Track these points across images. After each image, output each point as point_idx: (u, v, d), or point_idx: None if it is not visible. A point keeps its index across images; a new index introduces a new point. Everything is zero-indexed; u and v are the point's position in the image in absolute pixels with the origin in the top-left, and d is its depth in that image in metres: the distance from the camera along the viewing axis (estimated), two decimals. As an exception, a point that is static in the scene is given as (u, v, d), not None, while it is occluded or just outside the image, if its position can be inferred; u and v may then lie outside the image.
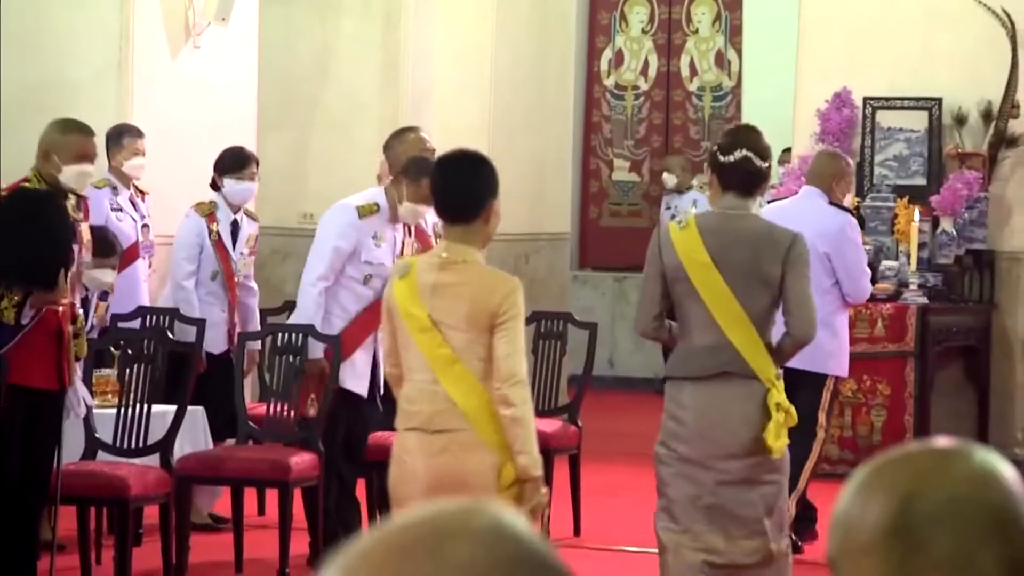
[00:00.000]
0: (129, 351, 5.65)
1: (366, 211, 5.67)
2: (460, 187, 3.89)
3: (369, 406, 5.89)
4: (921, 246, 7.72)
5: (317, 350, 5.70)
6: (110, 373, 5.80)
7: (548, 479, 4.84)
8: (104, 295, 6.04)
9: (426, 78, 8.81)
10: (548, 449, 5.81)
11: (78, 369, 5.17)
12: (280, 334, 5.85)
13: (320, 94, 8.75)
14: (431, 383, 3.84)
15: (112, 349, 5.77)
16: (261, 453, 5.79)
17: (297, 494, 5.69)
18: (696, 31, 11.41)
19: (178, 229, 6.53)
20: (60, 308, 4.98)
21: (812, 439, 5.90)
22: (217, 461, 5.75)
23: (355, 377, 5.73)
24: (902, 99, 8.15)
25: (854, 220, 6.27)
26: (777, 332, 4.40)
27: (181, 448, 5.71)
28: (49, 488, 5.07)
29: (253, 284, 6.65)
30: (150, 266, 6.87)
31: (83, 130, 5.16)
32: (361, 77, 8.67)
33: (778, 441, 4.27)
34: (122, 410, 5.58)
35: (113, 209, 6.71)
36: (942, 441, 1.29)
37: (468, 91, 9.35)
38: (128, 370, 5.62)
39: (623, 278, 11.34)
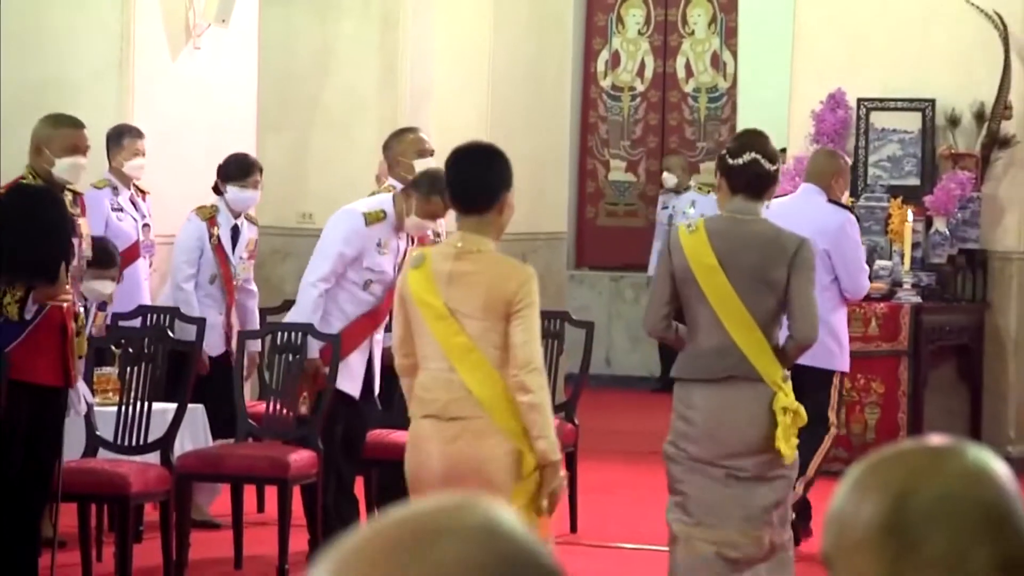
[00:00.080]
0: (130, 349, 5.68)
1: (372, 219, 5.70)
2: (475, 179, 3.94)
3: (367, 404, 5.93)
4: (915, 246, 7.76)
5: (313, 350, 5.75)
6: (111, 371, 5.84)
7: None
8: (103, 305, 6.07)
9: (425, 79, 8.86)
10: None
11: (80, 367, 5.20)
12: (280, 333, 5.89)
13: (319, 94, 8.79)
14: (447, 371, 3.88)
15: (113, 347, 5.82)
16: (260, 451, 5.82)
17: (296, 491, 5.72)
18: (692, 33, 11.46)
19: (179, 232, 6.56)
20: (64, 304, 5.00)
21: (824, 431, 5.99)
22: (217, 459, 5.78)
23: (349, 378, 5.77)
24: (896, 100, 8.21)
25: (853, 217, 6.34)
26: (781, 335, 4.47)
27: (181, 446, 5.74)
28: (51, 485, 5.10)
29: (253, 287, 6.68)
30: (151, 265, 6.92)
31: (74, 123, 5.17)
32: (360, 77, 8.72)
33: (788, 444, 4.34)
34: (123, 408, 5.62)
35: (114, 209, 6.75)
36: (936, 439, 1.30)
37: (466, 92, 9.40)
38: (129, 368, 5.65)
39: (619, 277, 11.39)
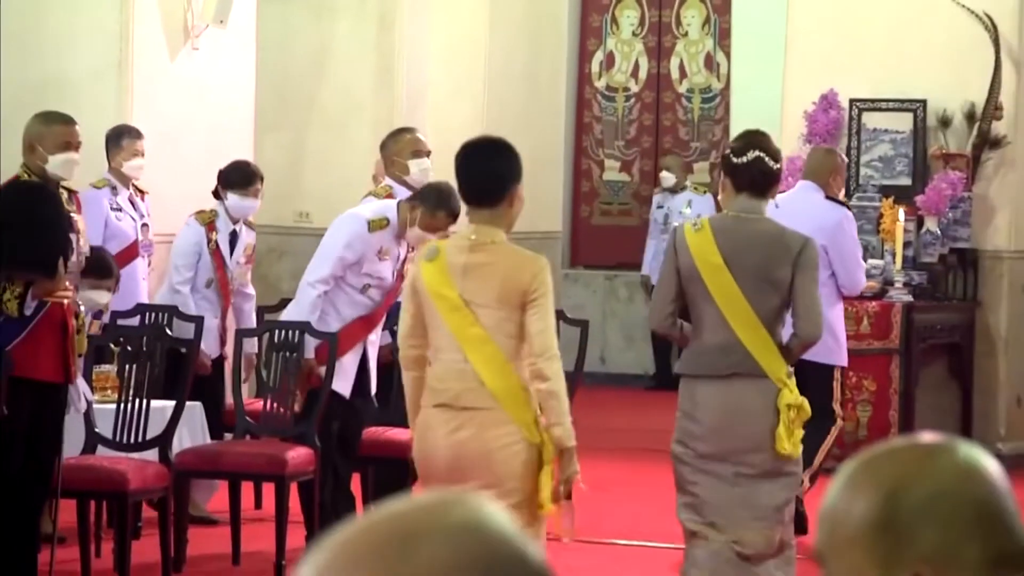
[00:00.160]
0: (128, 348, 5.72)
1: (376, 225, 5.74)
2: (485, 172, 4.00)
3: (363, 402, 5.99)
4: (906, 245, 7.82)
5: (308, 349, 5.80)
6: (110, 369, 5.89)
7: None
8: (98, 314, 6.11)
9: (421, 79, 8.91)
10: (540, 444, 5.91)
11: (80, 364, 5.24)
12: (277, 331, 5.94)
13: (316, 94, 8.84)
14: (460, 362, 3.93)
15: (112, 345, 5.86)
16: (258, 448, 5.86)
17: (293, 488, 5.76)
18: (686, 34, 11.51)
19: (177, 235, 6.59)
20: (65, 301, 5.03)
21: (831, 423, 6.05)
22: (215, 456, 5.82)
23: (341, 378, 5.82)
24: (887, 101, 8.26)
25: (850, 214, 6.41)
26: (784, 333, 4.52)
27: (179, 443, 5.78)
28: (51, 482, 5.12)
29: (250, 290, 6.71)
30: (149, 265, 6.96)
31: (65, 120, 5.20)
32: (357, 77, 8.77)
33: (791, 441, 4.39)
34: (121, 405, 5.65)
35: (112, 209, 6.80)
36: (927, 436, 1.31)
37: (462, 92, 9.45)
38: (127, 366, 5.68)
39: (614, 276, 11.44)
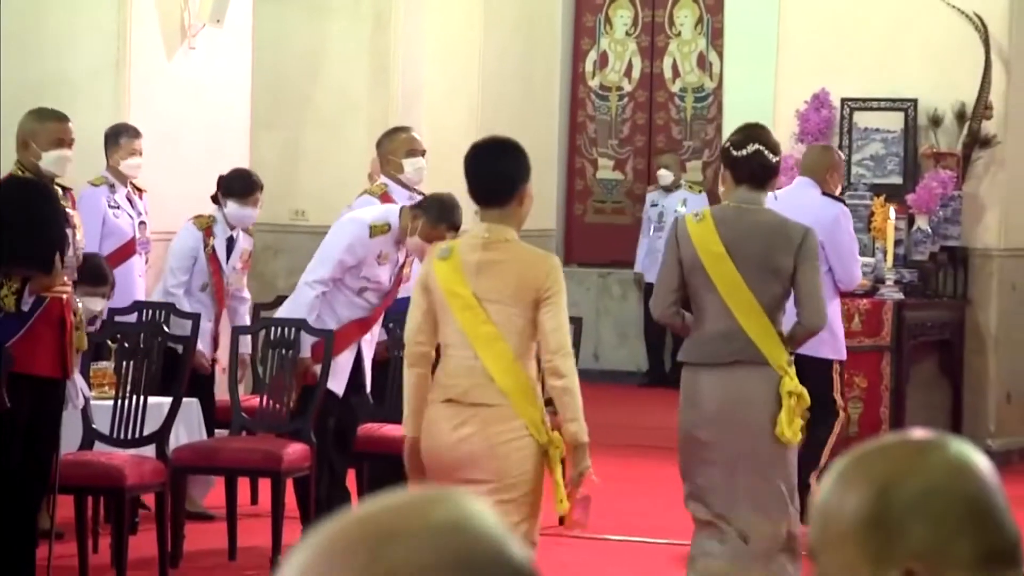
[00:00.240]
0: (126, 344, 5.76)
1: (377, 231, 5.79)
2: (494, 172, 4.06)
3: (358, 399, 6.03)
4: (897, 243, 7.86)
5: (304, 348, 5.85)
6: (107, 366, 5.92)
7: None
8: (92, 320, 6.14)
9: (416, 78, 8.95)
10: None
11: (78, 360, 5.28)
12: (273, 328, 5.99)
13: (312, 94, 8.88)
14: (471, 359, 3.99)
15: (109, 342, 5.90)
16: (254, 444, 5.89)
17: (289, 484, 5.80)
18: (679, 34, 11.56)
19: (175, 238, 6.60)
20: (64, 296, 5.06)
21: (833, 419, 6.11)
22: (211, 452, 5.86)
23: (335, 377, 5.87)
24: (879, 100, 8.32)
25: (847, 210, 6.47)
26: (787, 322, 4.57)
27: (176, 439, 5.82)
28: (49, 478, 5.16)
29: (246, 294, 6.73)
30: (146, 262, 7.00)
31: (58, 117, 5.22)
32: (352, 77, 8.81)
33: (791, 428, 4.45)
34: (119, 402, 5.68)
35: (110, 206, 6.84)
36: (918, 433, 1.31)
37: (457, 91, 9.49)
38: (124, 363, 5.72)
39: (607, 274, 11.48)
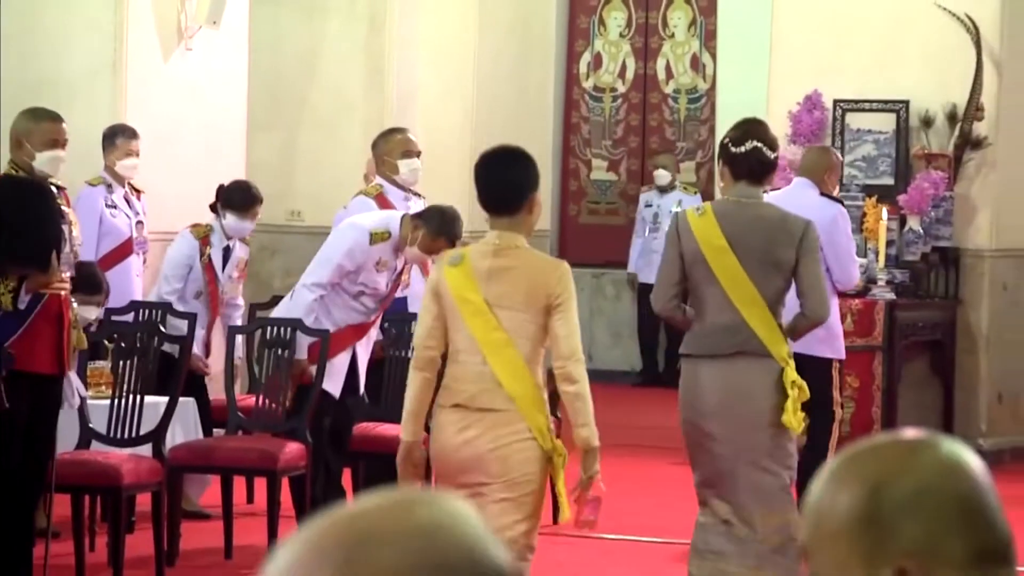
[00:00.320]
0: (122, 344, 5.79)
1: (377, 238, 5.82)
2: (504, 182, 4.11)
3: (354, 399, 6.07)
4: (889, 244, 7.90)
5: (301, 351, 5.88)
6: (104, 365, 5.95)
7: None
8: (87, 328, 6.16)
9: (410, 80, 8.98)
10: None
11: (75, 360, 5.29)
12: (269, 328, 6.02)
13: (308, 95, 8.91)
14: (479, 364, 4.03)
15: (106, 342, 5.93)
16: (250, 443, 5.92)
17: (285, 483, 5.82)
18: (672, 35, 11.60)
19: (171, 246, 6.61)
20: (62, 293, 5.08)
21: (832, 420, 6.15)
22: (208, 451, 5.89)
23: (331, 378, 5.91)
24: (871, 102, 8.36)
25: (845, 210, 6.51)
26: (787, 314, 4.62)
27: (172, 438, 5.84)
28: (46, 476, 5.18)
29: (240, 302, 6.75)
30: (144, 262, 7.03)
31: (53, 117, 5.23)
32: (347, 78, 8.84)
33: (795, 417, 4.50)
34: (115, 401, 5.70)
35: (107, 206, 6.86)
36: (910, 432, 1.31)
37: (452, 93, 9.53)
38: (121, 362, 5.75)
39: (601, 274, 11.52)
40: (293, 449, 5.81)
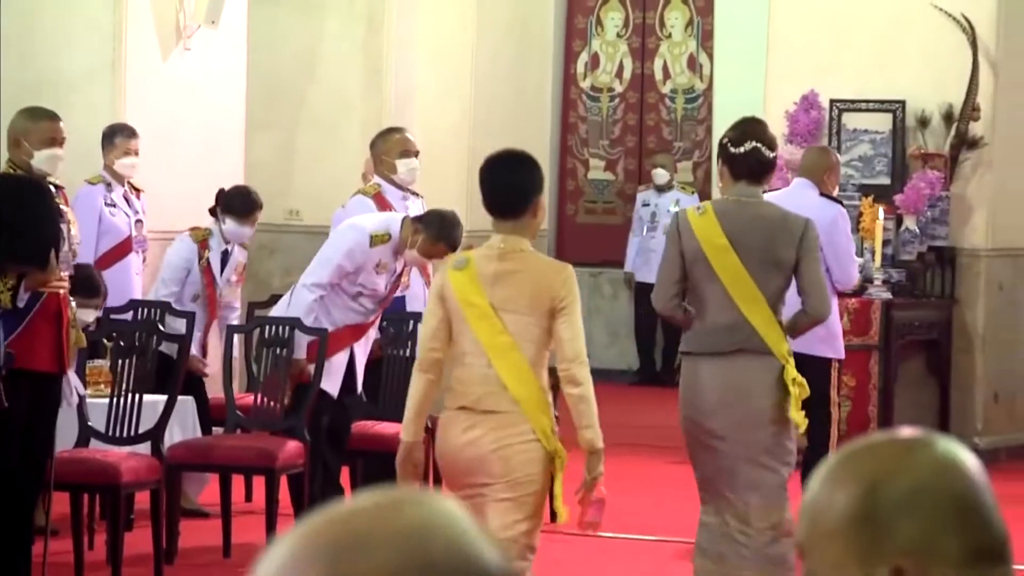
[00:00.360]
0: (121, 343, 5.81)
1: (378, 240, 5.85)
2: (508, 186, 4.14)
3: (351, 398, 6.09)
4: (885, 243, 7.93)
5: (300, 350, 5.90)
6: (103, 364, 5.97)
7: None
8: (84, 330, 6.16)
9: (408, 80, 9.00)
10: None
11: (74, 359, 5.31)
12: (267, 327, 6.04)
13: (306, 94, 8.93)
14: (484, 367, 4.06)
15: (105, 341, 5.95)
16: (249, 441, 5.95)
17: (283, 481, 5.85)
18: (669, 35, 11.62)
19: (170, 249, 6.63)
20: (61, 291, 5.09)
21: (829, 421, 6.19)
22: (206, 449, 5.91)
23: (329, 378, 5.93)
24: (867, 102, 8.38)
25: (844, 211, 6.54)
26: (787, 312, 4.65)
27: (171, 436, 5.87)
28: (45, 474, 5.19)
29: (236, 304, 6.76)
30: (143, 261, 7.05)
31: (51, 116, 5.24)
32: (346, 78, 8.86)
33: (799, 414, 4.53)
34: (114, 399, 5.72)
35: (107, 204, 6.88)
36: (906, 431, 1.31)
37: (450, 93, 9.54)
38: (120, 361, 5.77)
39: (598, 273, 11.54)
40: (291, 447, 5.83)
